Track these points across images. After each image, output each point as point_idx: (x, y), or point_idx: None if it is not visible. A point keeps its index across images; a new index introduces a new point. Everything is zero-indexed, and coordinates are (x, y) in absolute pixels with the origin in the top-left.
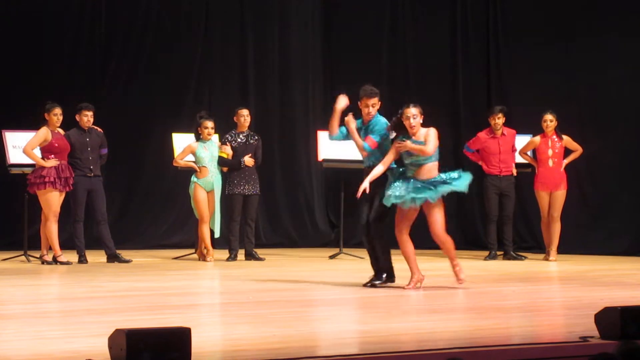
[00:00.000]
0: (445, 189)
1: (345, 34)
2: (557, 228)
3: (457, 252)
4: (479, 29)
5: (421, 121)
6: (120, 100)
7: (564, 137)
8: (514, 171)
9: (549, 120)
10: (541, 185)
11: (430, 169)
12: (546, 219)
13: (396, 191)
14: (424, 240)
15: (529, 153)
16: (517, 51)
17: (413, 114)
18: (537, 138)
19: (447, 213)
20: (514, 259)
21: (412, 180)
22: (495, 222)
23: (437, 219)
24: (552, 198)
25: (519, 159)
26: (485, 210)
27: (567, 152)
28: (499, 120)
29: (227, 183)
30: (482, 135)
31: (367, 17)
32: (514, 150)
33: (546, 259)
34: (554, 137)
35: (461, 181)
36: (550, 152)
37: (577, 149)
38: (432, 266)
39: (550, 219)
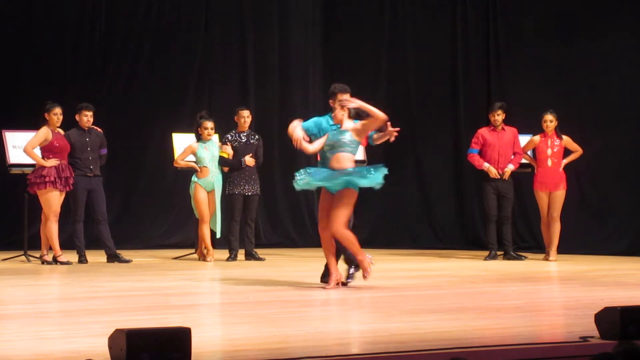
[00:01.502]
0: (344, 180)
1: (345, 33)
2: (556, 228)
3: (458, 252)
4: (479, 29)
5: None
6: (120, 100)
7: (564, 137)
8: (507, 173)
9: (549, 121)
10: (540, 185)
11: (345, 159)
12: (546, 219)
13: (304, 175)
14: (425, 239)
15: (529, 153)
16: (517, 51)
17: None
18: (537, 137)
19: (448, 213)
20: (514, 259)
21: (322, 168)
22: (494, 222)
23: (336, 214)
24: (552, 198)
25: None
26: (484, 210)
27: (567, 152)
28: (498, 117)
29: (228, 183)
30: (482, 130)
31: (367, 17)
32: (516, 149)
33: (546, 259)
34: (554, 137)
35: (370, 178)
36: (549, 151)
37: (577, 150)
38: (433, 266)
39: (550, 219)
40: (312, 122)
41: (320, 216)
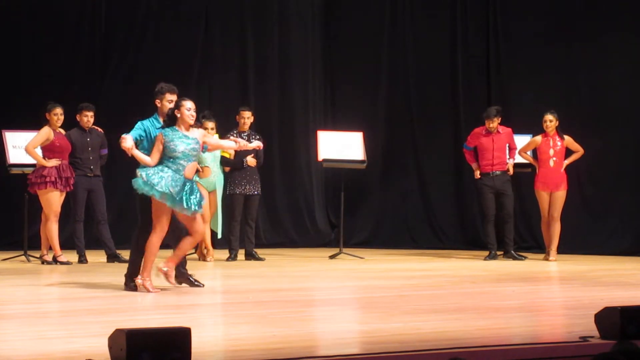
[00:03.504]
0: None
1: (345, 33)
2: (557, 228)
3: (457, 252)
4: (479, 29)
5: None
6: (120, 100)
7: (566, 137)
8: (510, 168)
9: (549, 121)
10: (542, 185)
11: (193, 168)
12: (546, 219)
13: (163, 181)
14: (425, 239)
15: (529, 153)
16: (517, 51)
17: (193, 108)
18: (539, 138)
19: (448, 213)
20: (514, 258)
21: (182, 177)
22: (492, 222)
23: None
24: (553, 198)
25: (519, 158)
26: (482, 210)
27: (569, 152)
28: (493, 124)
29: (229, 183)
30: (478, 130)
31: (367, 16)
32: (512, 149)
33: (546, 259)
34: (555, 137)
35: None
36: (551, 152)
37: (579, 150)
38: (433, 266)
39: (550, 219)
40: (138, 129)
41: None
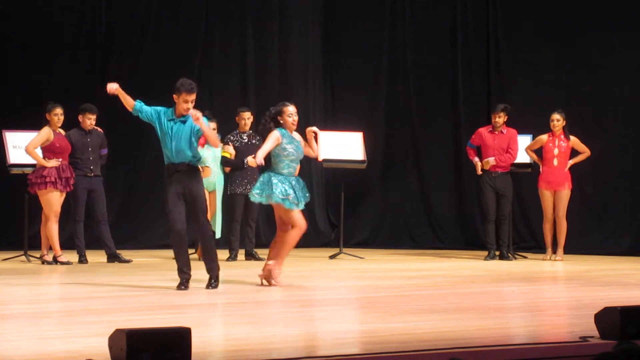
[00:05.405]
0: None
1: (346, 33)
2: (563, 227)
3: (457, 252)
4: (479, 29)
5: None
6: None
7: (572, 137)
8: (487, 164)
9: (556, 120)
10: (545, 184)
11: (298, 169)
12: (549, 219)
13: (281, 188)
14: (425, 239)
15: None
16: (517, 51)
17: (296, 112)
18: (544, 136)
19: (448, 213)
20: (507, 259)
21: (292, 178)
22: (493, 221)
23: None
24: (557, 197)
25: (521, 158)
26: (483, 210)
27: (574, 152)
28: (499, 119)
29: (229, 183)
30: (482, 130)
31: (367, 17)
32: (509, 150)
33: (546, 259)
34: (562, 136)
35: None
36: (556, 151)
37: (585, 151)
38: (433, 266)
39: (556, 218)
40: (155, 109)
41: (280, 222)
